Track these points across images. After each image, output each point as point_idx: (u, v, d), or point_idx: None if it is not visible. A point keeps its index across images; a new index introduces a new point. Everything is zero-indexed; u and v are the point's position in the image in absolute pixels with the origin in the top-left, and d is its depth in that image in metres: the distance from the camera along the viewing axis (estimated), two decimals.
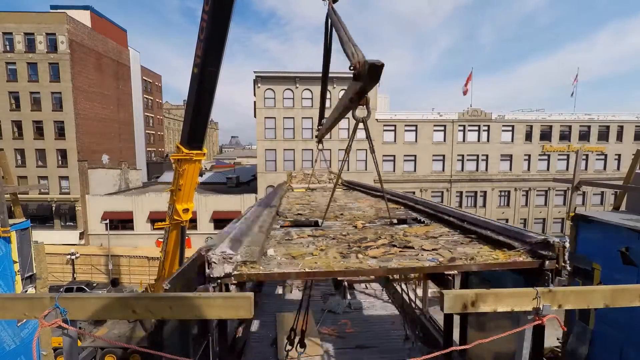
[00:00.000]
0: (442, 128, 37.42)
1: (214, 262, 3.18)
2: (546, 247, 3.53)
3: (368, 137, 4.50)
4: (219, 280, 3.22)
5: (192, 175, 7.92)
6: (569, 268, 3.45)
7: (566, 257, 3.48)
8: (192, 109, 7.10)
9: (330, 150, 35.33)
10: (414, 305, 9.50)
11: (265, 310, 9.57)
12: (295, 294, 11.46)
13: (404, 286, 11.18)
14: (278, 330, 7.98)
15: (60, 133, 35.79)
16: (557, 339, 10.78)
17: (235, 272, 3.31)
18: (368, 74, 2.94)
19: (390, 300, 10.28)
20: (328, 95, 37.59)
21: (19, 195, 10.98)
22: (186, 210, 8.40)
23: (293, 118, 35.61)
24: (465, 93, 38.82)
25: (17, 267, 9.49)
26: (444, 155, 37.64)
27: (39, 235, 18.40)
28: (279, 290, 11.18)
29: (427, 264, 3.82)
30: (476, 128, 37.68)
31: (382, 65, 2.92)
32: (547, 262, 3.48)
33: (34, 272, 10.52)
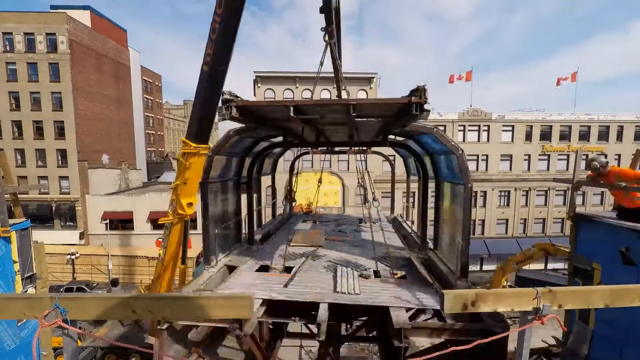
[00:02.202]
0: (442, 128, 37.38)
1: (223, 93, 6.06)
2: (415, 91, 5.20)
3: (333, 59, 5.83)
4: (227, 104, 6.01)
5: (198, 168, 8.26)
6: (429, 102, 5.10)
7: (427, 96, 5.06)
8: (200, 105, 7.38)
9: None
10: (409, 230, 12.55)
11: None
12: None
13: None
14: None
15: (60, 133, 35.77)
16: (554, 337, 10.81)
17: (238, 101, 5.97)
18: None
19: (394, 231, 12.93)
20: (328, 95, 36.80)
21: (19, 195, 10.96)
22: (190, 204, 8.53)
23: None
24: (451, 81, 38.91)
25: (17, 267, 9.48)
26: None
27: (39, 235, 18.41)
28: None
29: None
30: (476, 128, 37.65)
31: None
32: (412, 97, 5.15)
33: (34, 272, 10.51)
